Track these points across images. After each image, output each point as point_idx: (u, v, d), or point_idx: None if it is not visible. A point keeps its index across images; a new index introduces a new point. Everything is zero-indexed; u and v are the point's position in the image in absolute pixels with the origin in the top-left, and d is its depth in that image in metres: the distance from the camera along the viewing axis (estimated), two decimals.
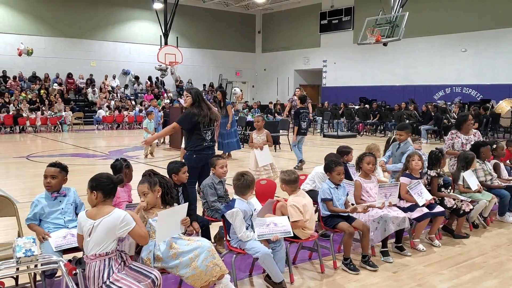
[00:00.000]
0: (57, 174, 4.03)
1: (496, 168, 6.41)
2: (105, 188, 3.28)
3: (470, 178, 5.81)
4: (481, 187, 5.89)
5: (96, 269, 3.16)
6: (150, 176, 3.77)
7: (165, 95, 26.31)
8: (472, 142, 6.52)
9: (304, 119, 10.42)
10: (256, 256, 3.87)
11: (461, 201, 5.50)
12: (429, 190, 5.33)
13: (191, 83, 28.40)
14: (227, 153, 11.85)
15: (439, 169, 5.62)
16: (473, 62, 21.46)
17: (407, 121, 17.92)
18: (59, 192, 4.06)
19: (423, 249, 5.08)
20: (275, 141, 13.29)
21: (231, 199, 4.26)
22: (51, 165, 4.08)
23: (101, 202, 3.28)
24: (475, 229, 5.90)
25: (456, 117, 16.87)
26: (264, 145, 7.61)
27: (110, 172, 4.15)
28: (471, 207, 5.53)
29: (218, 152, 10.18)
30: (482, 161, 6.23)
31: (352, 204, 4.81)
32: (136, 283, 3.16)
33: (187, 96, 5.77)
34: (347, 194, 4.85)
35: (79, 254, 3.77)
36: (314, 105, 21.32)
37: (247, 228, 3.97)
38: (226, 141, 11.70)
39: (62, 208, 4.02)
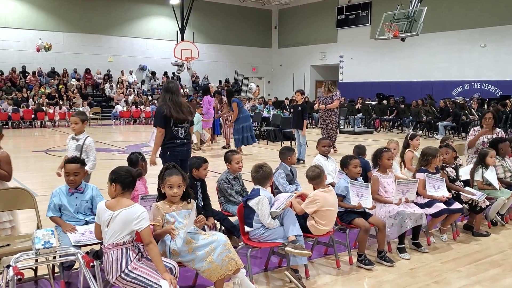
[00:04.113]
0: (79, 170, 4.03)
1: None
2: (124, 181, 3.34)
3: (491, 175, 5.70)
4: (500, 184, 5.79)
5: (114, 257, 3.19)
6: (177, 168, 3.69)
7: (181, 90, 26.42)
8: None
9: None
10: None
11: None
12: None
13: (207, 78, 28.46)
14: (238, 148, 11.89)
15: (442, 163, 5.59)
16: (492, 57, 21.09)
17: (425, 117, 17.72)
18: (76, 189, 4.03)
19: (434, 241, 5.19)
20: (291, 138, 13.24)
21: (249, 192, 4.28)
22: (71, 161, 4.06)
23: (120, 194, 3.34)
24: (493, 226, 5.81)
25: (475, 113, 16.65)
26: None
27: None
28: (488, 203, 5.46)
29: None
30: (502, 157, 6.13)
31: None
32: (155, 271, 3.19)
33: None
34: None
35: (96, 247, 3.82)
36: None
37: None
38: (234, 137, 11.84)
39: (76, 205, 4.02)
